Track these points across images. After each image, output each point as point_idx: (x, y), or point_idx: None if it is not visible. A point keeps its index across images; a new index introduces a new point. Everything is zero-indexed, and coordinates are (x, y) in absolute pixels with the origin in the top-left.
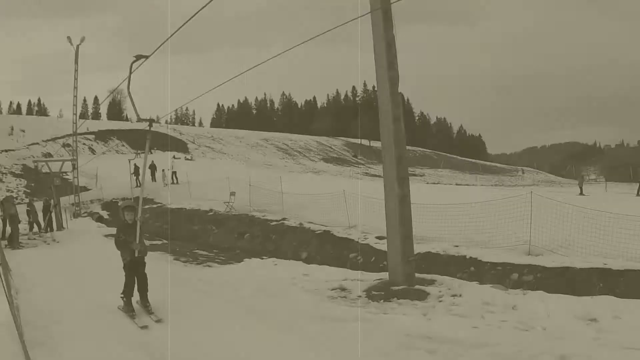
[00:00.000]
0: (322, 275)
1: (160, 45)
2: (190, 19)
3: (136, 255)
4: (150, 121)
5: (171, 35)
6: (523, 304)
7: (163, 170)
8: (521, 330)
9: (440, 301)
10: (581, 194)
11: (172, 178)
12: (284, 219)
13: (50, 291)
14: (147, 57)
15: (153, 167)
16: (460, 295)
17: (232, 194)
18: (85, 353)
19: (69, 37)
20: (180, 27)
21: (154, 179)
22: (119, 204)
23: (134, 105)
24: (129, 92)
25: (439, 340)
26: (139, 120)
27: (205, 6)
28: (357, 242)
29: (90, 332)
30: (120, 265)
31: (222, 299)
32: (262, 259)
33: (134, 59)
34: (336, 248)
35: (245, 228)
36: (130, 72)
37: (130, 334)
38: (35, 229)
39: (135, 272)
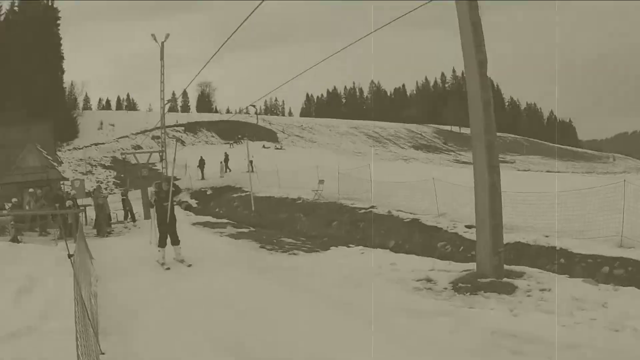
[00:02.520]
0: (409, 264)
1: (226, 41)
2: (252, 13)
3: None
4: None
5: (235, 31)
6: (614, 301)
7: (221, 162)
8: (611, 331)
9: (529, 296)
10: None
11: (249, 166)
12: (372, 206)
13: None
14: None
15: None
16: (549, 290)
17: (321, 182)
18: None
19: (153, 35)
20: (242, 22)
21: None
22: None
23: None
24: None
25: (525, 339)
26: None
27: None
28: (446, 230)
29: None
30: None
31: (306, 289)
32: (349, 247)
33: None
34: (424, 236)
35: (333, 216)
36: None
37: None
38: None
39: None
